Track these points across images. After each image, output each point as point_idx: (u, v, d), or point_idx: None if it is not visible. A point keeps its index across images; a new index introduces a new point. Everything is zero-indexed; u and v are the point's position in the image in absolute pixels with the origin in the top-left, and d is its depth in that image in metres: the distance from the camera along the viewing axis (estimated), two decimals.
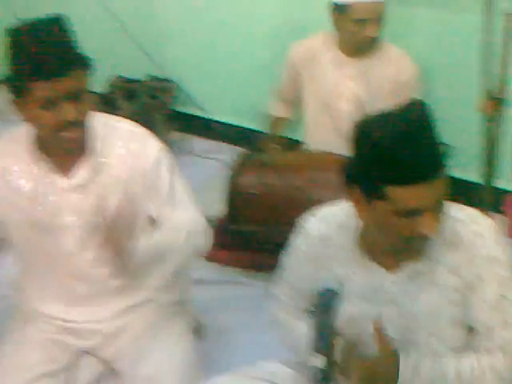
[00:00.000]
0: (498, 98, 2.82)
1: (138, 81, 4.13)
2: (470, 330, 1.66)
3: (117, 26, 4.06)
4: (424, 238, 1.51)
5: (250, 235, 2.89)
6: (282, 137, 3.26)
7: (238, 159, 3.00)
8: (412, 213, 1.46)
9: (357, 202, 1.53)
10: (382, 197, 1.45)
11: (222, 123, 4.09)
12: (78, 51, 1.83)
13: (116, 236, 1.77)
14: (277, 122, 3.27)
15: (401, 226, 1.49)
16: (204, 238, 2.06)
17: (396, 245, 1.57)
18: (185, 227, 2.00)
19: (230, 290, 2.91)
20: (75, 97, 1.80)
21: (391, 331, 1.64)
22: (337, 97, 2.98)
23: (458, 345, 1.66)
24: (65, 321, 2.08)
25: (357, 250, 1.65)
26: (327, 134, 3.01)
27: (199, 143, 4.05)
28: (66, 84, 1.76)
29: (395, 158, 1.40)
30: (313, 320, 1.51)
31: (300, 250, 1.77)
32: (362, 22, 2.77)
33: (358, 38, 2.83)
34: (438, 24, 3.26)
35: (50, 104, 1.77)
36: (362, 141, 1.46)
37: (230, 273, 3.00)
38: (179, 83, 4.09)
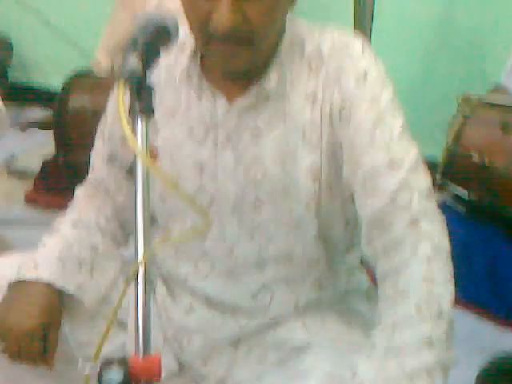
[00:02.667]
0: None
1: None
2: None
3: None
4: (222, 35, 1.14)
5: (83, 165, 2.47)
6: None
7: (67, 81, 2.63)
8: None
9: None
10: None
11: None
12: None
13: None
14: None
15: (198, 6, 1.15)
16: None
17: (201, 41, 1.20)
18: None
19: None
20: None
21: (228, 187, 1.27)
22: None
23: (323, 216, 1.25)
24: None
25: (197, 75, 1.28)
26: None
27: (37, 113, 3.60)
28: None
29: None
30: None
31: None
32: None
33: None
34: None
35: None
36: None
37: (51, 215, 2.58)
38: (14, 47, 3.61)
